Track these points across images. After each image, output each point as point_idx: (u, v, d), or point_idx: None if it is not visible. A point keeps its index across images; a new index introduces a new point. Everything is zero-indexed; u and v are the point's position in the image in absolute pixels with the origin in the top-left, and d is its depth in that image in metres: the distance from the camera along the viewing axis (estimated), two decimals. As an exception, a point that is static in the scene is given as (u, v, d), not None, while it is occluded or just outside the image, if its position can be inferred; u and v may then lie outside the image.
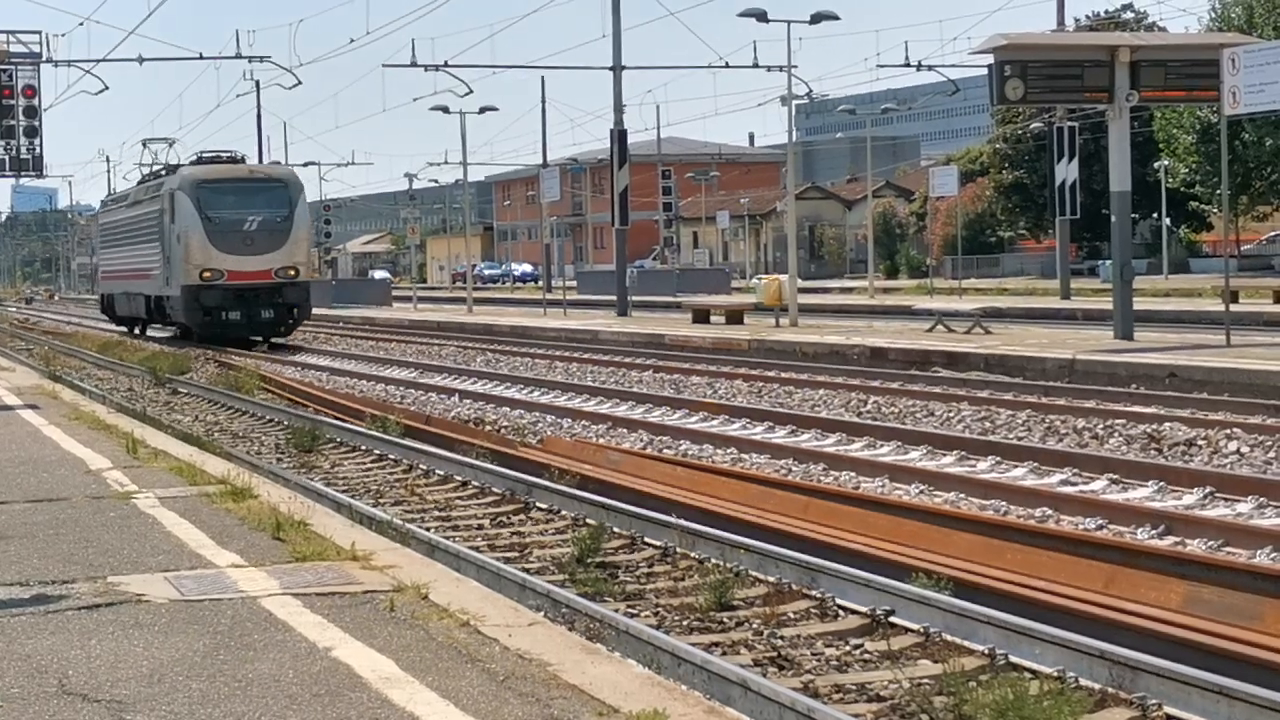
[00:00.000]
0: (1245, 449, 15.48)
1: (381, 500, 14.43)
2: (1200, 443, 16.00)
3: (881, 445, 16.96)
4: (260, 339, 42.56)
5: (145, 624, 7.41)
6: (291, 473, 15.87)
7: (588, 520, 12.30)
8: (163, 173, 48.02)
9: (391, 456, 17.17)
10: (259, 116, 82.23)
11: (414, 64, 49.81)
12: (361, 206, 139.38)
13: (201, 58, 55.87)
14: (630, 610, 9.54)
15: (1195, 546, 10.87)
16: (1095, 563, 9.53)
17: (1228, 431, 16.19)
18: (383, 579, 8.30)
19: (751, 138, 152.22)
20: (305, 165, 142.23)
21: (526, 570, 10.62)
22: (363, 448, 18.08)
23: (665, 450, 16.99)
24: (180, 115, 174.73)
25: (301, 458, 17.67)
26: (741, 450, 16.75)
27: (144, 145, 53.88)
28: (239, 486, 11.61)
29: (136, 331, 52.09)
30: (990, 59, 26.20)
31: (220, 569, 8.71)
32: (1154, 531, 11.44)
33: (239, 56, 54.79)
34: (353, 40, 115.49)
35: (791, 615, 9.26)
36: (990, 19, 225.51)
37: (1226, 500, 12.81)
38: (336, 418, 21.29)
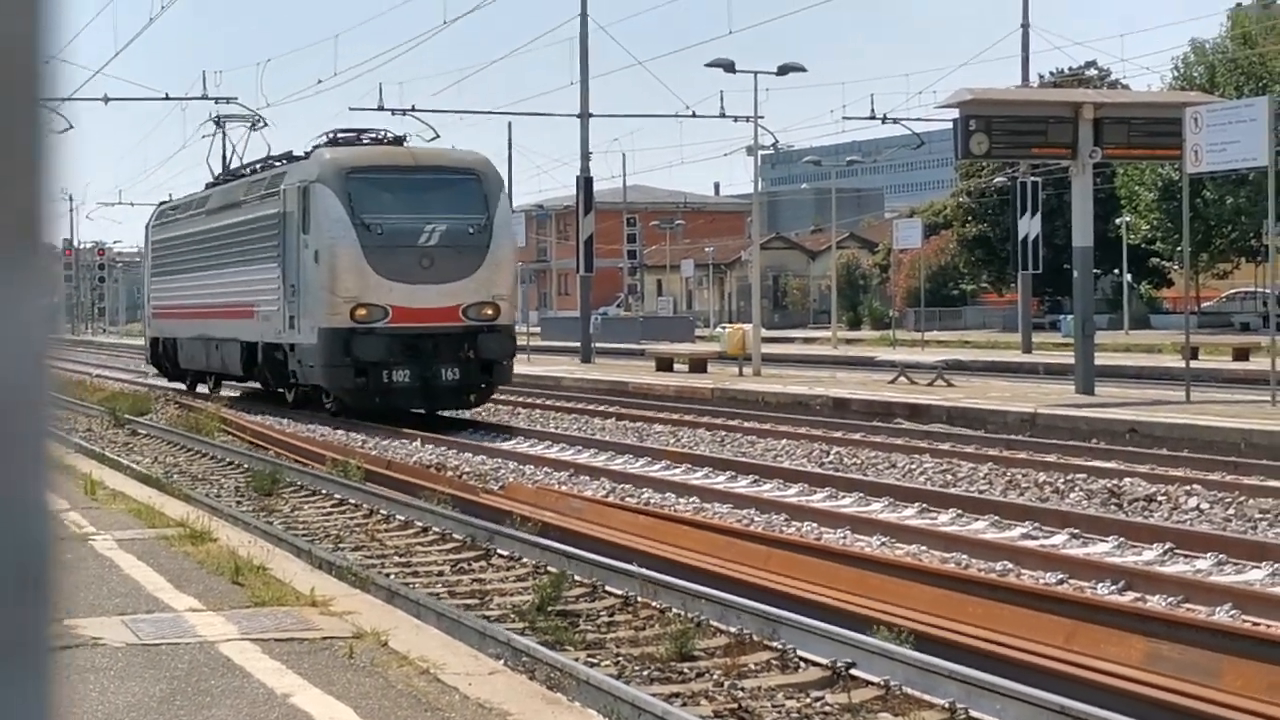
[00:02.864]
0: (1205, 505, 15.53)
1: (341, 545, 14.35)
2: (1160, 499, 16.04)
3: (844, 496, 16.96)
4: (438, 409, 28.15)
5: (101, 668, 7.34)
6: (251, 516, 15.78)
7: (549, 568, 12.25)
8: (275, 162, 33.04)
9: (352, 501, 17.10)
10: (224, 157, 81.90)
11: (381, 107, 49.76)
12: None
13: (168, 98, 55.72)
14: (591, 659, 9.50)
15: (1155, 602, 10.88)
16: (1056, 617, 9.53)
17: (1187, 488, 16.24)
18: (342, 625, 8.24)
19: (717, 187, 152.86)
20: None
21: (487, 618, 10.57)
22: (323, 492, 18.00)
23: (628, 498, 16.96)
24: (145, 156, 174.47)
25: (261, 501, 17.59)
26: (704, 499, 16.73)
27: (217, 124, 40.37)
28: (198, 529, 11.53)
29: (207, 389, 36.74)
30: (955, 113, 26.35)
31: (178, 613, 8.64)
32: (1114, 587, 11.46)
33: (205, 97, 54.67)
34: (320, 81, 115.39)
35: (752, 666, 9.23)
36: (956, 73, 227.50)
37: (1186, 556, 12.84)
38: (297, 461, 21.20)
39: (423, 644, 7.78)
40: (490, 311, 27.34)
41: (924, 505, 15.94)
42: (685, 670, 9.20)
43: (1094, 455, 19.75)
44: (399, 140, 30.16)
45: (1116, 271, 74.82)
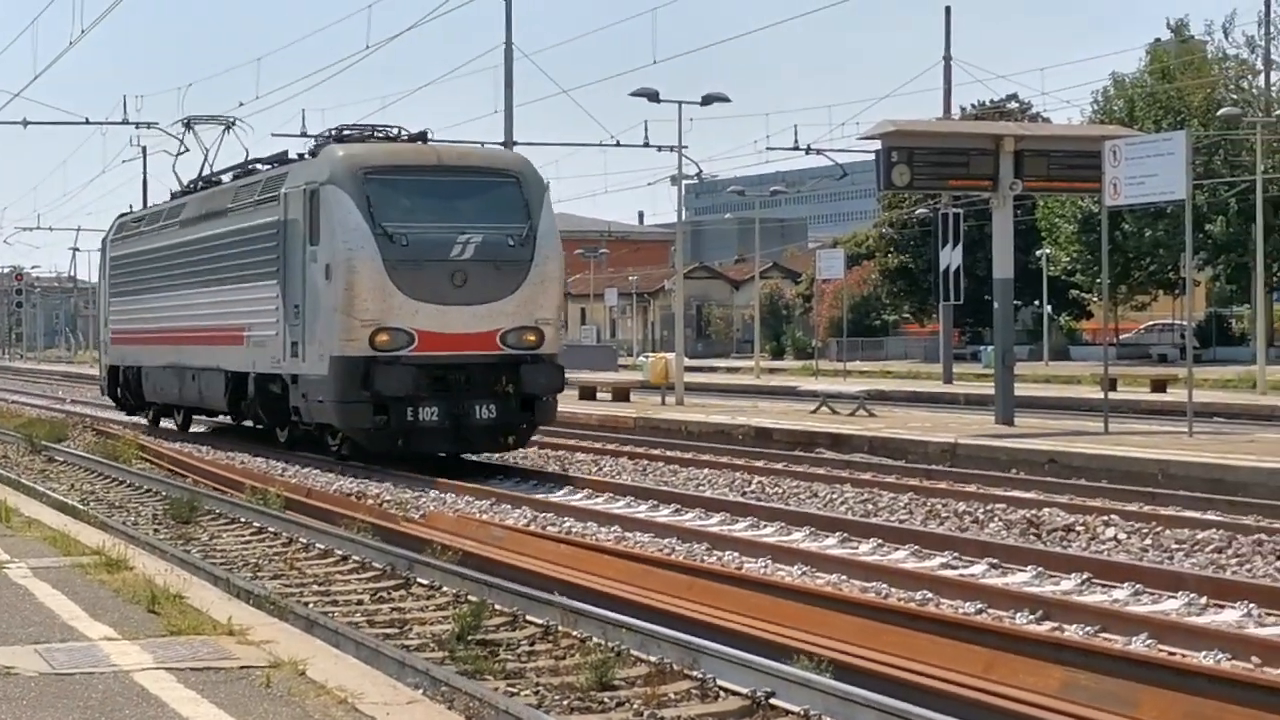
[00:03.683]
0: (1122, 535, 15.66)
1: (260, 574, 14.24)
2: (1078, 529, 16.16)
3: (765, 526, 16.99)
4: (470, 453, 24.31)
5: (13, 698, 7.24)
6: (168, 544, 15.64)
7: (469, 597, 12.20)
8: (263, 164, 28.53)
9: (271, 529, 16.97)
10: (145, 183, 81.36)
11: (304, 134, 49.57)
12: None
13: (88, 122, 55.39)
14: (510, 689, 9.46)
15: (1073, 632, 10.94)
16: (975, 646, 9.57)
17: (1105, 518, 16.37)
18: (259, 654, 8.17)
19: (641, 216, 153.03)
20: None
21: (406, 647, 10.51)
22: (242, 520, 17.85)
23: (549, 527, 16.92)
24: (65, 180, 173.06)
25: (179, 529, 17.43)
26: (625, 528, 16.71)
27: (186, 127, 34.90)
28: (114, 558, 11.41)
29: (175, 425, 33.36)
30: (878, 145, 26.54)
31: (93, 642, 8.54)
32: (1032, 616, 11.52)
33: (126, 122, 54.41)
34: (241, 105, 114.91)
35: (672, 696, 9.21)
36: (878, 105, 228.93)
37: (1104, 586, 12.93)
38: (216, 489, 21.04)
39: (341, 673, 7.72)
40: (533, 338, 23.15)
41: (845, 535, 15.99)
42: (605, 700, 9.17)
43: (1013, 485, 19.88)
44: (421, 136, 25.69)
45: (1037, 303, 75.51)
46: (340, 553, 15.07)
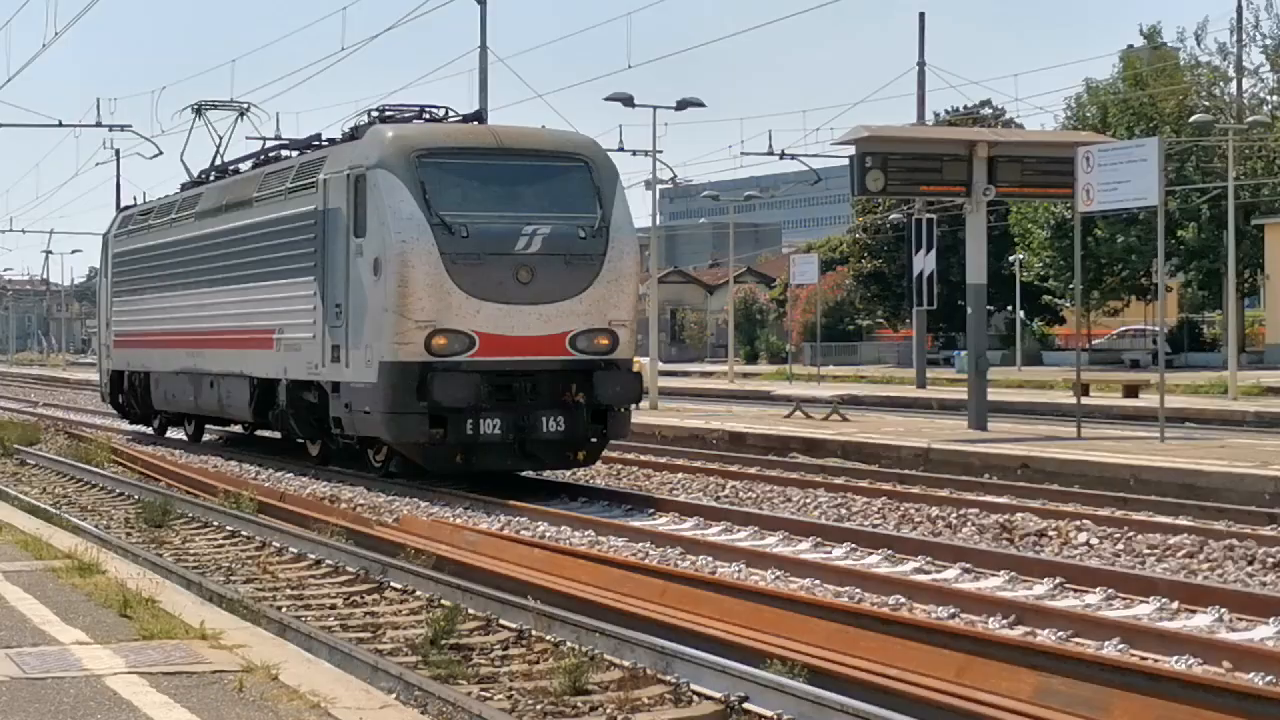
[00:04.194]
0: (1095, 540, 15.70)
1: (233, 578, 14.20)
2: (1051, 534, 16.20)
3: (739, 530, 17.00)
4: (535, 470, 21.91)
5: (-16, 702, 7.22)
6: (141, 548, 15.59)
7: (443, 601, 12.19)
8: (291, 150, 26.55)
9: (244, 533, 16.94)
10: (118, 186, 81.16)
11: (278, 137, 49.42)
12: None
13: (61, 125, 55.24)
14: (484, 693, 9.45)
15: (1046, 637, 10.97)
16: (948, 651, 9.59)
17: (1078, 523, 16.41)
18: (232, 658, 8.16)
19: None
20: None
21: (379, 651, 10.49)
22: (215, 524, 17.82)
23: (523, 532, 16.91)
24: (38, 183, 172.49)
25: (152, 533, 17.38)
26: (599, 533, 16.71)
27: (196, 113, 32.21)
28: (86, 561, 11.38)
29: (185, 435, 31.18)
30: (852, 150, 26.57)
31: (64, 646, 8.52)
32: (1005, 621, 11.54)
33: (99, 125, 54.30)
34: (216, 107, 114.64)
35: (646, 700, 9.21)
36: (853, 110, 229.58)
37: (1076, 591, 12.96)
38: (189, 492, 20.99)
39: (314, 678, 7.71)
40: (605, 342, 20.78)
41: (818, 539, 16.00)
42: (579, 704, 9.17)
43: (986, 490, 19.93)
44: (477, 116, 23.33)
45: (1010, 308, 75.68)
46: (314, 557, 15.04)
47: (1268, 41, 66.04)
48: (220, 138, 32.88)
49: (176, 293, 29.50)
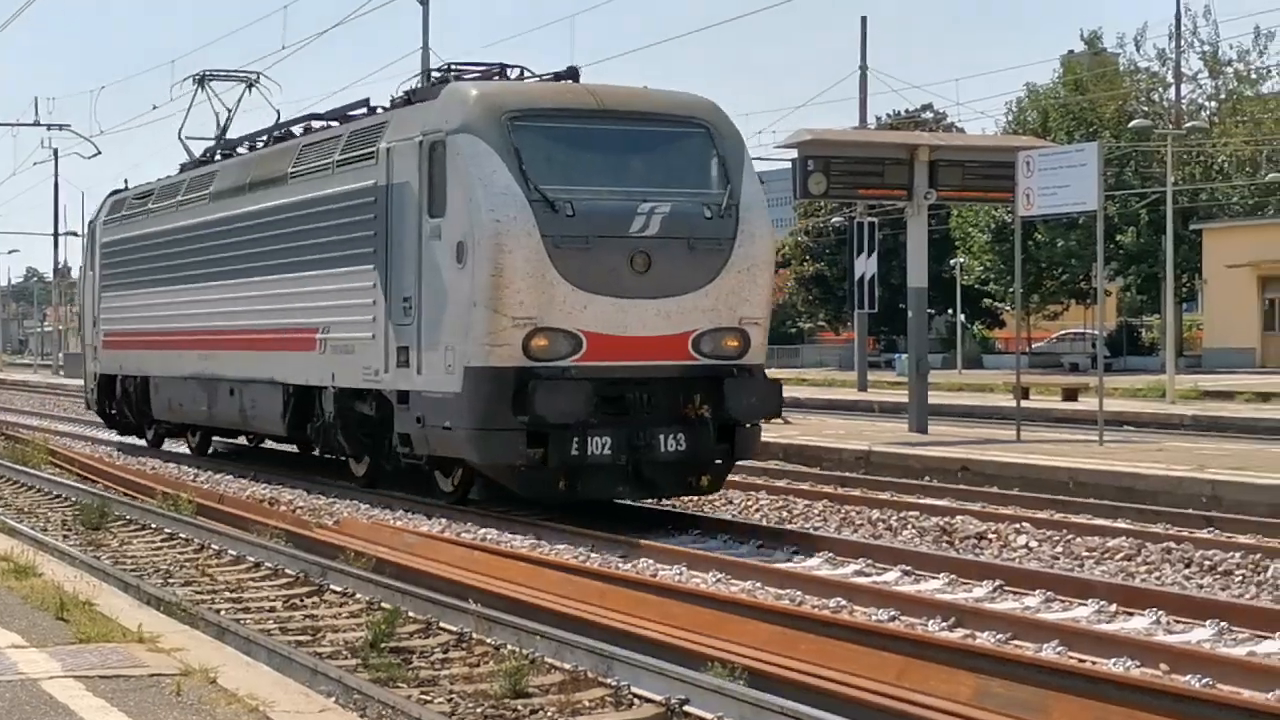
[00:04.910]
0: (1034, 543, 15.78)
1: (171, 580, 14.12)
2: (991, 536, 16.28)
3: (680, 534, 16.99)
4: (652, 497, 18.23)
5: (-82, 706, 7.14)
6: (78, 550, 15.47)
7: (383, 604, 12.15)
8: (327, 120, 22.74)
9: (183, 535, 16.84)
10: (56, 186, 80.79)
11: (218, 137, 49.15)
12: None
13: (-1, 123, 54.77)
14: (424, 697, 9.43)
15: (985, 639, 11.02)
16: (888, 654, 9.63)
17: (1017, 526, 16.49)
18: (170, 661, 8.10)
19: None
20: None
21: (319, 654, 10.45)
22: (153, 526, 17.71)
23: (464, 535, 16.86)
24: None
25: (89, 535, 17.26)
26: (541, 536, 16.68)
27: (199, 84, 29.00)
28: (22, 564, 11.30)
29: (189, 448, 27.78)
30: (794, 153, 26.63)
31: (-1, 650, 8.44)
32: (945, 624, 11.59)
33: (37, 124, 53.92)
34: (155, 108, 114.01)
35: (587, 703, 9.21)
36: (794, 114, 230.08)
37: (1015, 594, 13.03)
38: (127, 494, 20.85)
39: (253, 681, 7.67)
40: (735, 343, 17.51)
41: (760, 542, 16.03)
42: (519, 707, 9.16)
43: (926, 493, 20.01)
44: (571, 74, 19.11)
45: (950, 311, 76.09)
46: (253, 559, 14.97)
47: (1206, 48, 66.69)
48: (229, 111, 28.87)
49: (185, 286, 25.92)
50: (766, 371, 18.28)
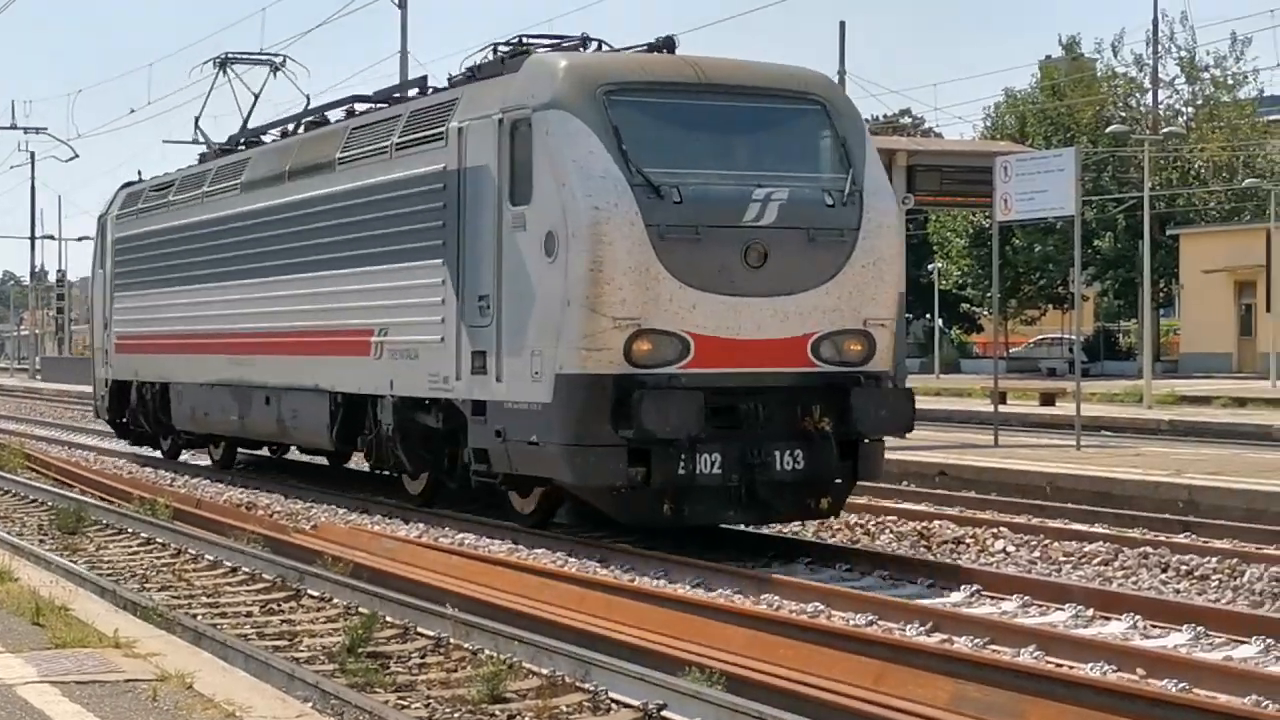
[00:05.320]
0: (1011, 548, 15.81)
1: (148, 585, 14.08)
2: (968, 541, 16.30)
3: (658, 539, 16.95)
4: (767, 522, 16.59)
5: (-108, 712, 7.12)
6: (54, 555, 15.42)
7: (360, 609, 12.12)
8: (373, 101, 20.98)
9: (160, 540, 16.79)
10: (33, 189, 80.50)
11: (196, 140, 49.10)
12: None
13: (-25, 126, 54.62)
14: (401, 702, 9.41)
15: (962, 644, 11.04)
16: (865, 659, 9.64)
17: (994, 530, 16.52)
18: (146, 667, 8.08)
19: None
20: (80, 240, 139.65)
21: (296, 659, 10.43)
22: (130, 530, 17.65)
23: (442, 540, 16.84)
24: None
25: (65, 540, 17.19)
26: (518, 541, 16.66)
27: (221, 68, 27.49)
28: (-2, 569, 11.25)
29: (212, 460, 25.95)
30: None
31: (-25, 655, 8.42)
32: (922, 628, 11.60)
33: (14, 127, 53.79)
34: (133, 111, 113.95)
35: (564, 709, 9.20)
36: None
37: (993, 598, 13.05)
38: (104, 499, 20.79)
39: (229, 686, 7.66)
40: (858, 347, 15.72)
41: (738, 548, 16.02)
42: (496, 712, 9.15)
43: (904, 498, 20.03)
44: (666, 45, 17.13)
45: (928, 316, 76.18)
46: (230, 564, 14.93)
47: (1183, 54, 66.86)
48: (254, 95, 26.92)
49: (212, 285, 23.86)
50: (893, 379, 16.43)
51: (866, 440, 15.76)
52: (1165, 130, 54.90)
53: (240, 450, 25.59)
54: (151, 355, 26.65)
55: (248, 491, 22.09)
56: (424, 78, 19.79)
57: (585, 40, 17.58)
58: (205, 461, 26.26)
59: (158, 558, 15.89)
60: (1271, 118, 69.46)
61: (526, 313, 15.67)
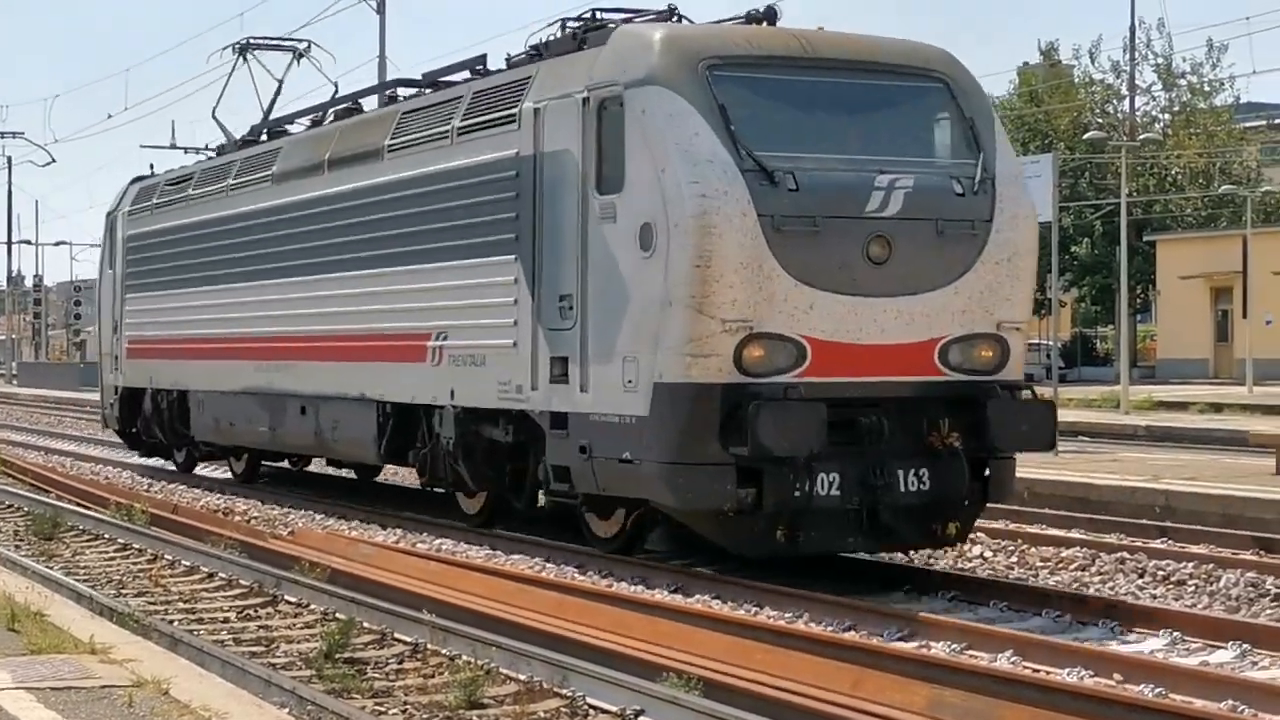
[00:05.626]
0: (989, 553, 15.83)
1: (124, 591, 14.04)
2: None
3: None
4: (888, 549, 14.77)
5: None
6: (30, 560, 15.37)
7: (337, 615, 12.11)
8: (415, 86, 19.43)
9: (136, 546, 16.75)
10: (9, 194, 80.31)
11: (174, 145, 49.17)
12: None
13: (-49, 130, 54.42)
14: (379, 708, 9.40)
15: (939, 649, 11.05)
16: (843, 664, 9.66)
17: (972, 535, 16.52)
18: (122, 673, 8.06)
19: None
20: (57, 245, 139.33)
21: (272, 665, 10.41)
22: (107, 536, 17.60)
23: (420, 545, 16.82)
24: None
25: (42, 545, 17.15)
26: (496, 547, 16.65)
27: (241, 54, 26.28)
28: (-27, 575, 11.22)
29: (233, 473, 24.25)
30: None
31: (-51, 661, 8.39)
32: (900, 634, 11.61)
33: (-9, 131, 53.64)
34: (110, 116, 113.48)
35: (542, 714, 9.20)
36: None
37: (969, 604, 13.06)
38: (80, 504, 20.73)
39: (205, 692, 7.64)
40: (989, 354, 14.16)
41: (715, 556, 16.00)
42: (474, 718, 9.15)
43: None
44: (768, 16, 15.32)
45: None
46: (206, 570, 14.90)
47: (1160, 60, 67.08)
48: (278, 82, 25.57)
49: (238, 285, 22.14)
50: (1023, 388, 14.50)
51: (998, 457, 14.25)
52: (1142, 136, 55.02)
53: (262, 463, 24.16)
54: (168, 360, 24.79)
55: (225, 498, 22.04)
56: (482, 56, 17.94)
57: (673, 12, 15.76)
58: (218, 474, 25.15)
59: (134, 563, 15.85)
60: (1248, 124, 69.71)
61: (618, 314, 14.03)
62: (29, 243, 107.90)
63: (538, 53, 16.29)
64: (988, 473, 14.17)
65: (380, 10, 45.05)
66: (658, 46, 14.05)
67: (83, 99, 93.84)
